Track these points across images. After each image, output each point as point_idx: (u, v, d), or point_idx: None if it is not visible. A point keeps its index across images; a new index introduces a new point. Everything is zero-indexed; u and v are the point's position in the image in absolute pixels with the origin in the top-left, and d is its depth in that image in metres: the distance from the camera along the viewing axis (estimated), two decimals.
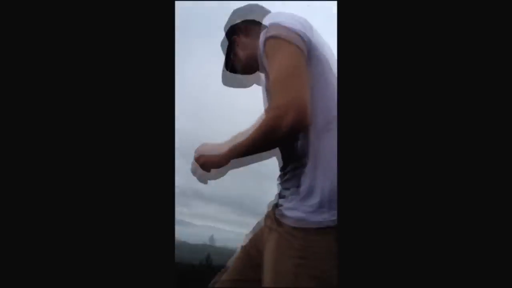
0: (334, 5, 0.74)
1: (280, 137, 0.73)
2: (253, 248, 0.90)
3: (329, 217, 0.73)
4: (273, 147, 0.81)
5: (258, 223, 0.94)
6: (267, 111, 0.73)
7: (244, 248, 0.94)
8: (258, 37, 0.79)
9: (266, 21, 0.80)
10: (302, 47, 0.76)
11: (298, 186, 0.77)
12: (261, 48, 0.78)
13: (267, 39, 0.76)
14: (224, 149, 0.81)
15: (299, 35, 0.76)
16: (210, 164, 0.84)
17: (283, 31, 0.75)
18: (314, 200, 0.74)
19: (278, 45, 0.74)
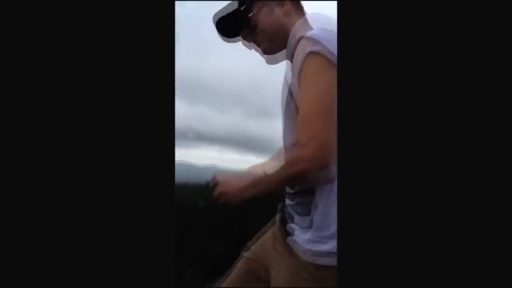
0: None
1: (300, 182, 0.77)
2: (256, 262, 0.93)
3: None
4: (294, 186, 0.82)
5: (260, 233, 0.97)
6: (292, 153, 0.71)
7: (246, 259, 0.96)
8: (291, 13, 0.76)
9: (310, 23, 0.74)
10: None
11: (309, 215, 0.77)
12: (299, 58, 0.73)
13: (309, 53, 0.71)
14: (244, 187, 0.80)
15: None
16: (231, 201, 0.84)
17: (326, 49, 0.70)
18: (328, 231, 0.75)
19: (319, 67, 0.70)
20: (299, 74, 0.72)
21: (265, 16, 0.82)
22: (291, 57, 0.77)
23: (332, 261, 0.73)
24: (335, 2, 0.73)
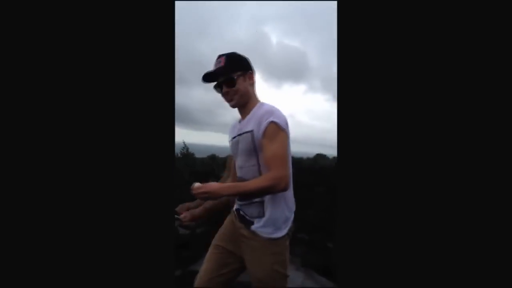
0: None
1: (270, 194, 1.17)
2: (225, 249, 1.30)
3: (287, 231, 1.21)
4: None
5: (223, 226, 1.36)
6: (269, 176, 1.10)
7: (217, 246, 1.32)
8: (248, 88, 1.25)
9: (266, 111, 1.17)
10: (288, 132, 1.17)
11: (262, 214, 1.20)
12: (263, 124, 1.14)
13: (271, 122, 1.12)
14: (226, 188, 1.12)
15: (287, 123, 1.17)
16: (213, 197, 1.12)
17: (281, 120, 1.13)
18: (278, 223, 1.19)
19: (277, 130, 1.13)
20: (264, 131, 1.15)
21: (241, 81, 1.24)
22: (258, 122, 1.18)
23: (281, 233, 1.19)
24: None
